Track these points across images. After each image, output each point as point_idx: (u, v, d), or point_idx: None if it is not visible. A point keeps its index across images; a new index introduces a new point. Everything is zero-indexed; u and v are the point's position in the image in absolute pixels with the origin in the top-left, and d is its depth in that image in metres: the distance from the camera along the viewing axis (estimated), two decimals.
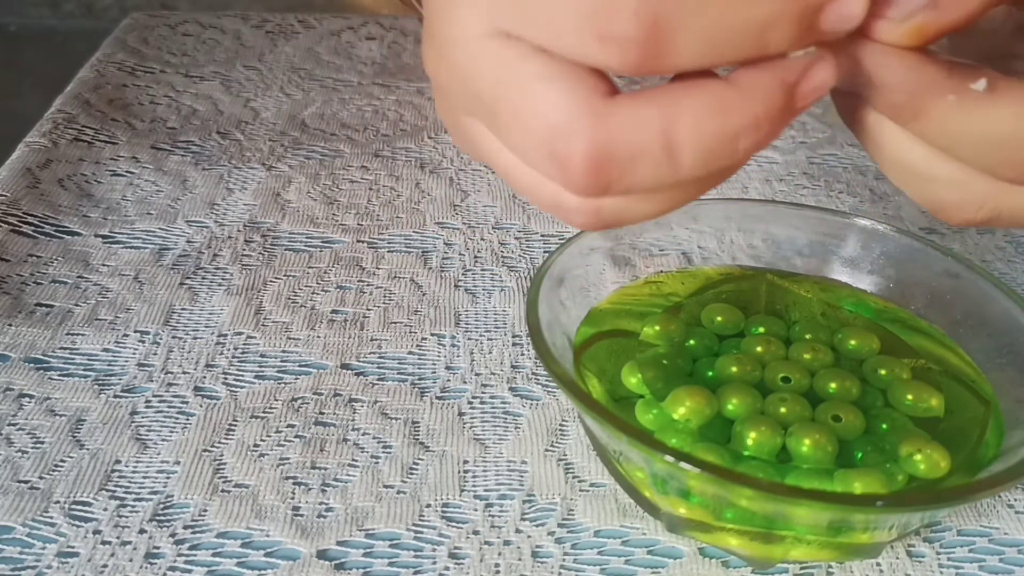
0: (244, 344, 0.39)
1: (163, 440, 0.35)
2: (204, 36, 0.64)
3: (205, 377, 0.38)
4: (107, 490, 0.33)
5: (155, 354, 0.38)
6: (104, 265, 0.43)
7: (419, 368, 0.38)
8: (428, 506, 0.33)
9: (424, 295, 0.42)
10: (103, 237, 0.45)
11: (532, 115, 0.23)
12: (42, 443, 0.34)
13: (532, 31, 0.22)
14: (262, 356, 0.39)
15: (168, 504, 0.32)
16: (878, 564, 0.31)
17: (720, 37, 0.21)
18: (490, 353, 0.39)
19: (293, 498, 0.33)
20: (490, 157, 0.26)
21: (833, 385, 0.32)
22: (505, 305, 0.42)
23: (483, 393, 0.37)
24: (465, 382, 0.38)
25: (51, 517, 0.32)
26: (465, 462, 0.34)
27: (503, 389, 0.37)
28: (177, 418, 0.36)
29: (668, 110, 0.22)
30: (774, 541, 0.29)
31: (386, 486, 0.33)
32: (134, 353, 0.38)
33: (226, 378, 0.38)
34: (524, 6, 0.22)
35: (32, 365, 0.38)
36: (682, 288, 0.37)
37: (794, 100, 0.24)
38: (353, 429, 0.35)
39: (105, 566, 0.30)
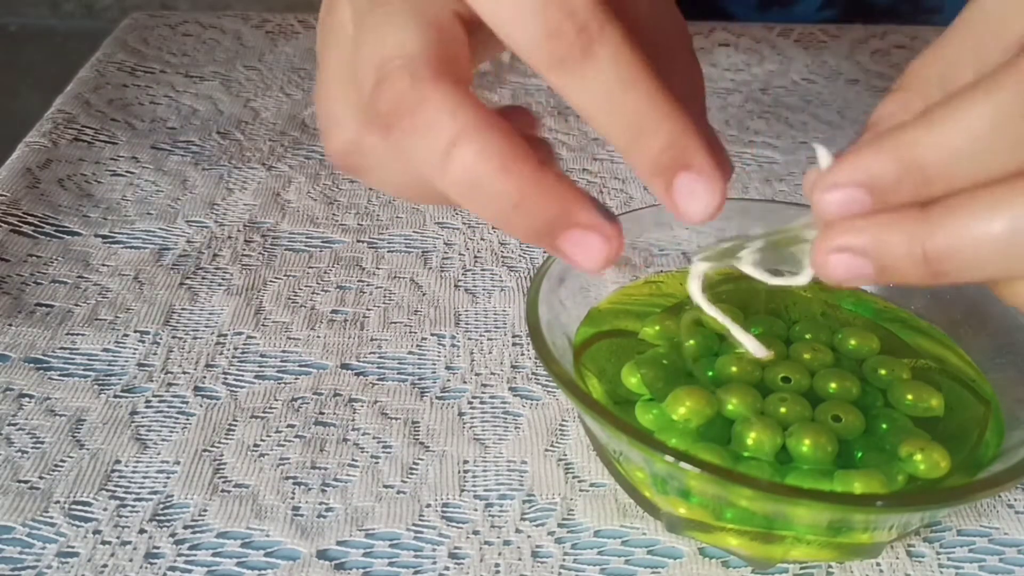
0: (244, 344, 0.39)
1: (163, 440, 0.35)
2: (204, 36, 0.64)
3: (205, 377, 0.38)
4: (107, 490, 0.33)
5: (155, 354, 0.38)
6: (104, 265, 0.43)
7: (419, 368, 0.38)
8: (428, 506, 0.33)
9: (424, 295, 0.42)
10: (103, 237, 0.45)
11: (380, 39, 0.25)
12: (42, 443, 0.34)
13: None
14: (262, 356, 0.39)
15: (168, 504, 0.32)
16: (878, 564, 0.31)
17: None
18: (490, 353, 0.39)
19: (293, 498, 0.33)
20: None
21: (833, 385, 0.32)
22: (505, 305, 0.42)
23: (483, 393, 0.37)
24: (465, 382, 0.38)
25: (51, 517, 0.32)
26: (465, 462, 0.34)
27: (503, 389, 0.37)
28: (177, 418, 0.36)
29: (475, 119, 0.24)
30: (774, 541, 0.29)
31: (386, 486, 0.33)
32: (134, 353, 0.38)
33: (226, 378, 0.38)
34: None
35: (32, 365, 0.38)
36: (682, 288, 0.37)
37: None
38: (353, 429, 0.36)
39: (105, 566, 0.30)
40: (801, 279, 0.27)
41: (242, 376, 0.38)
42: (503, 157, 0.23)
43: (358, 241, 0.46)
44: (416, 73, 0.23)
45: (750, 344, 0.30)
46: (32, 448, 0.34)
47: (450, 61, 0.24)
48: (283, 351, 0.39)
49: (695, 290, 0.29)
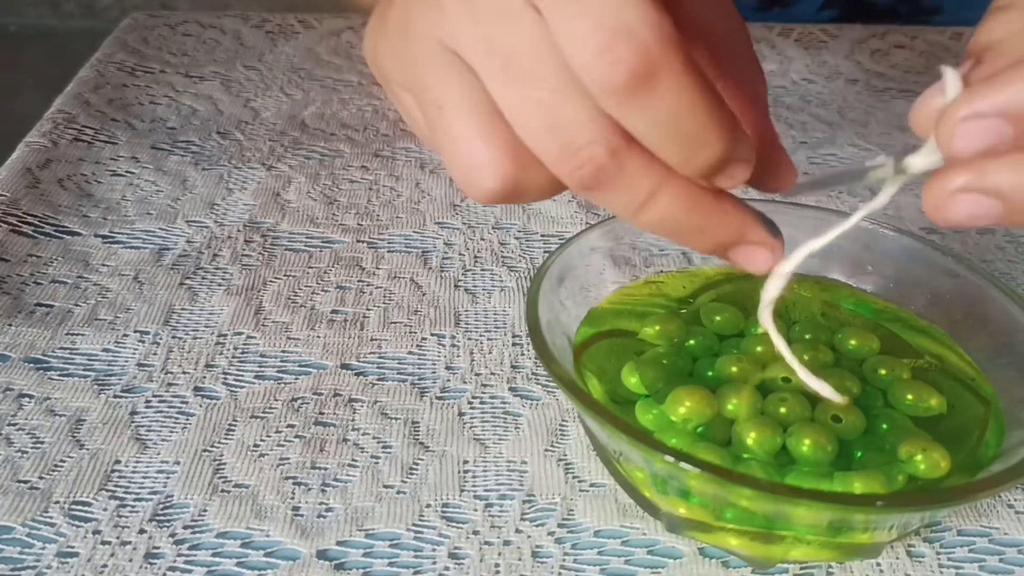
0: (244, 344, 0.39)
1: (163, 440, 0.35)
2: (204, 36, 0.64)
3: (205, 377, 0.37)
4: (107, 490, 0.33)
5: (155, 354, 0.38)
6: (104, 265, 0.43)
7: (419, 368, 0.38)
8: (428, 506, 0.33)
9: (424, 295, 0.42)
10: (103, 237, 0.45)
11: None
12: (42, 443, 0.34)
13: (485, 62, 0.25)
14: (262, 356, 0.39)
15: (168, 504, 0.32)
16: (878, 564, 0.31)
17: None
18: (490, 353, 0.39)
19: (293, 498, 0.33)
20: (411, 122, 0.29)
21: (833, 385, 0.32)
22: (505, 305, 0.42)
23: (483, 393, 0.37)
24: (465, 382, 0.38)
25: (51, 517, 0.32)
26: (465, 462, 0.34)
27: (503, 389, 0.37)
28: (177, 418, 0.36)
29: (665, 169, 0.25)
30: (774, 541, 0.29)
31: (386, 486, 0.33)
32: (134, 353, 0.38)
33: (226, 378, 0.38)
34: (484, 41, 0.25)
35: (32, 365, 0.38)
36: (682, 288, 0.37)
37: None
38: (353, 429, 0.35)
39: (105, 566, 0.30)
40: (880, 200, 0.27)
41: (242, 376, 0.38)
42: (691, 199, 0.25)
43: (358, 241, 0.46)
44: (610, 143, 0.24)
45: (825, 391, 0.30)
46: (32, 448, 0.34)
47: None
48: (283, 351, 0.39)
49: (767, 319, 0.30)
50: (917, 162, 0.25)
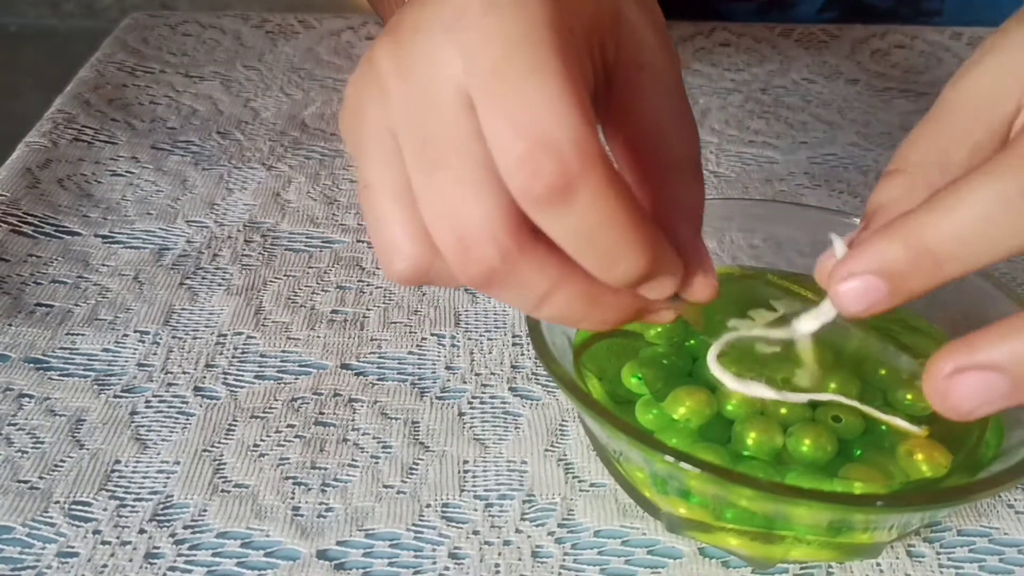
0: (244, 344, 0.39)
1: (163, 440, 0.35)
2: (204, 36, 0.64)
3: (205, 377, 0.37)
4: (107, 490, 0.33)
5: (155, 354, 0.38)
6: (104, 265, 0.43)
7: (419, 368, 0.38)
8: (428, 506, 0.33)
9: (424, 295, 0.42)
10: (103, 237, 0.45)
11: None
12: (42, 443, 0.34)
13: (490, 114, 0.23)
14: (262, 356, 0.39)
15: (168, 504, 0.32)
16: (878, 564, 0.31)
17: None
18: (490, 353, 0.39)
19: (293, 498, 0.33)
20: (362, 168, 0.27)
21: (833, 386, 0.32)
22: (505, 305, 0.42)
23: (483, 393, 0.37)
24: (465, 382, 0.38)
25: (51, 517, 0.32)
26: (465, 462, 0.34)
27: (503, 389, 0.37)
28: (177, 418, 0.36)
29: (560, 271, 0.25)
30: (774, 541, 0.29)
31: (386, 486, 0.33)
32: (134, 353, 0.38)
33: (226, 378, 0.38)
34: (496, 90, 0.23)
35: (32, 365, 0.38)
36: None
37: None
38: (353, 429, 0.35)
39: (105, 566, 0.30)
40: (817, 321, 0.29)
41: (242, 376, 0.38)
42: (588, 296, 0.25)
43: (358, 241, 0.46)
44: (503, 246, 0.24)
45: (905, 425, 0.30)
46: (32, 448, 0.34)
47: (524, 216, 0.24)
48: (283, 351, 0.39)
49: (714, 366, 0.30)
50: (809, 324, 0.29)
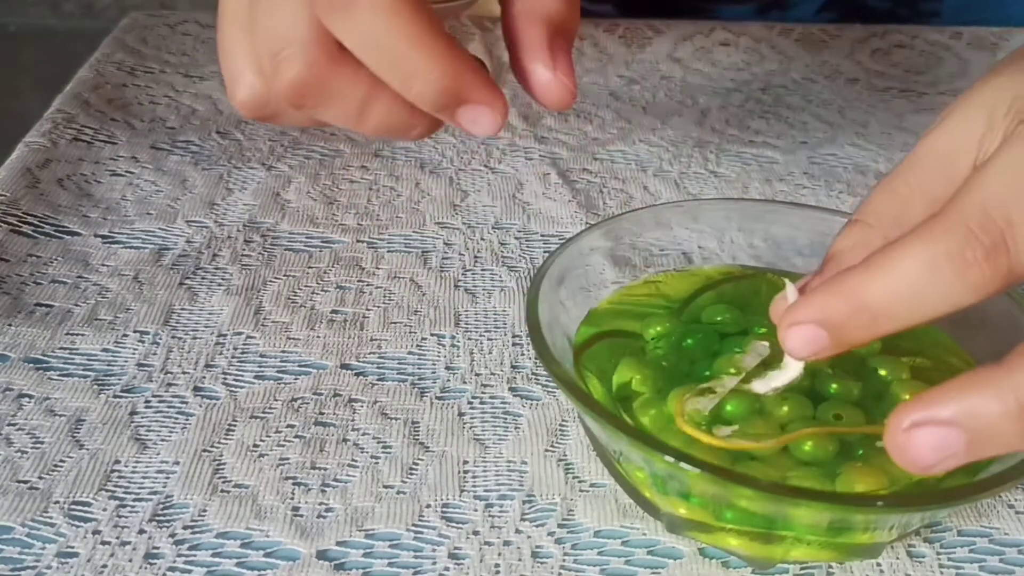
0: (244, 344, 0.39)
1: (163, 440, 0.35)
2: (204, 36, 0.64)
3: (205, 377, 0.37)
4: (107, 490, 0.33)
5: (155, 354, 0.38)
6: (104, 265, 0.43)
7: (419, 368, 0.38)
8: (428, 506, 0.33)
9: (424, 295, 0.42)
10: (103, 237, 0.45)
11: (271, 26, 0.27)
12: (42, 443, 0.34)
13: None
14: (262, 356, 0.39)
15: (168, 504, 0.32)
16: (878, 564, 0.31)
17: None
18: (490, 353, 0.39)
19: (293, 498, 0.33)
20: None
21: (834, 385, 0.32)
22: (505, 305, 0.42)
23: (483, 393, 0.37)
24: (465, 382, 0.38)
25: (51, 517, 0.32)
26: (465, 462, 0.34)
27: (503, 389, 0.37)
28: (177, 418, 0.36)
29: (372, 81, 0.27)
30: (774, 541, 0.29)
31: (386, 486, 0.33)
32: (134, 353, 0.38)
33: (226, 378, 0.38)
34: None
35: (32, 365, 0.38)
36: (682, 288, 0.37)
37: None
38: (353, 429, 0.35)
39: (105, 566, 0.30)
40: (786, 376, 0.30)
41: (242, 376, 0.38)
42: (408, 105, 0.27)
43: (358, 241, 0.46)
44: (310, 58, 0.26)
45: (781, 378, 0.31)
46: (32, 448, 0.34)
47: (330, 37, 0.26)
48: (283, 351, 0.39)
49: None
50: (777, 380, 0.30)
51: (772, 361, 0.32)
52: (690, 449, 0.30)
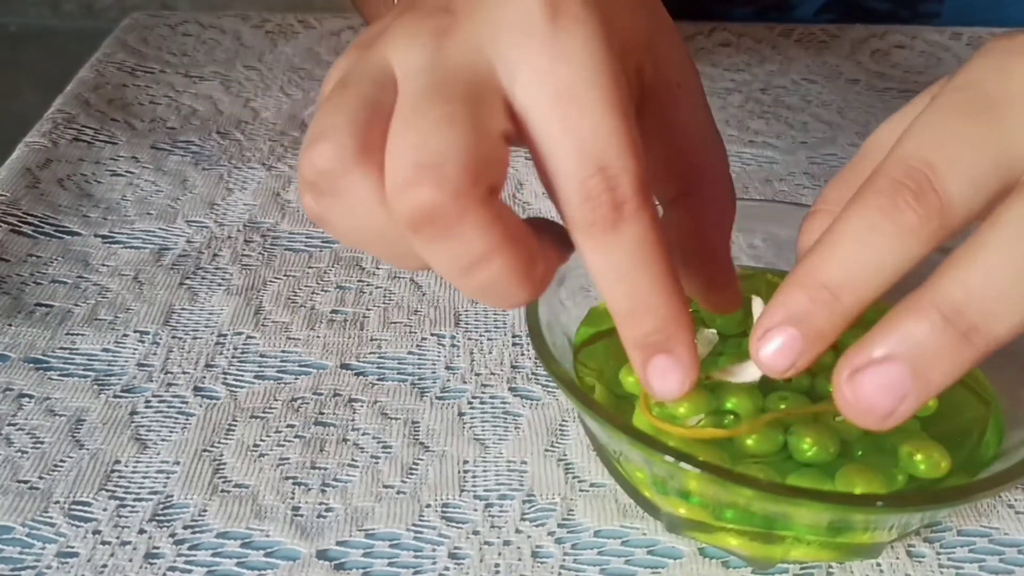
0: (244, 344, 0.39)
1: (163, 440, 0.35)
2: (204, 36, 0.64)
3: (205, 377, 0.37)
4: (107, 490, 0.33)
5: (155, 354, 0.38)
6: (104, 265, 0.43)
7: (419, 368, 0.38)
8: (428, 506, 0.33)
9: (424, 295, 0.42)
10: (103, 237, 0.45)
11: (429, 134, 0.24)
12: (42, 443, 0.34)
13: None
14: (262, 356, 0.39)
15: (168, 504, 0.32)
16: (878, 564, 0.31)
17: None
18: (490, 353, 0.39)
19: (293, 498, 0.33)
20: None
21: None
22: None
23: (483, 393, 0.37)
24: (465, 382, 0.38)
25: (51, 517, 0.32)
26: (465, 462, 0.34)
27: (503, 389, 0.37)
28: (177, 418, 0.36)
29: (504, 237, 0.24)
30: (774, 541, 0.29)
31: (386, 486, 0.33)
32: (134, 353, 0.38)
33: (226, 378, 0.38)
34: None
35: (32, 365, 0.38)
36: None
37: None
38: (353, 429, 0.35)
39: (105, 566, 0.30)
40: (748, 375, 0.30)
41: (242, 376, 0.38)
42: (524, 272, 0.25)
43: None
44: (456, 188, 0.23)
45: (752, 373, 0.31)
46: (32, 448, 0.34)
47: (487, 176, 0.24)
48: (283, 351, 0.39)
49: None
50: (738, 375, 0.30)
51: (726, 349, 0.33)
52: (692, 449, 0.30)
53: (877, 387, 0.24)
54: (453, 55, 0.25)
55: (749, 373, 0.30)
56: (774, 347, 0.25)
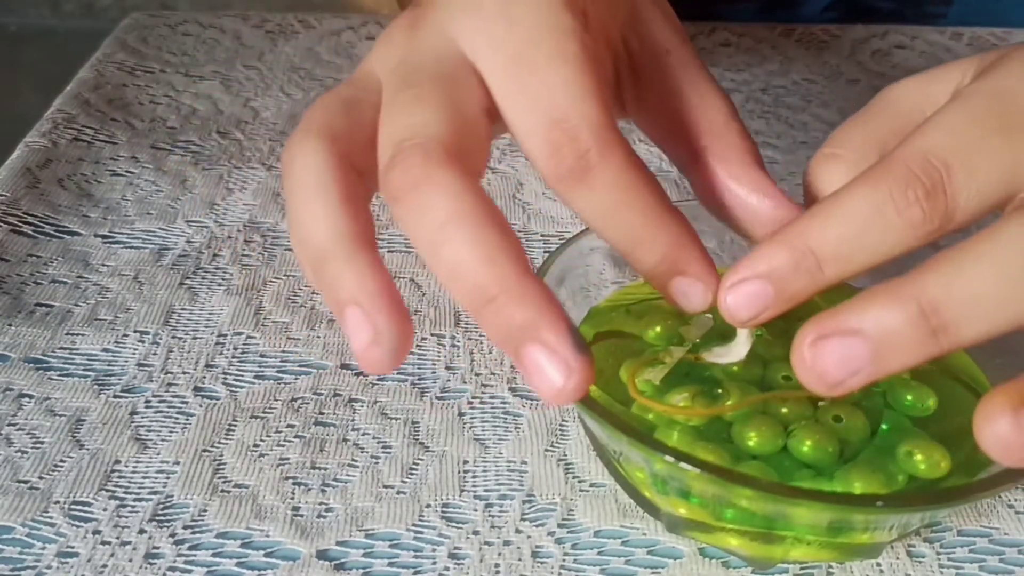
0: (244, 344, 0.39)
1: (163, 440, 0.35)
2: (204, 36, 0.64)
3: (205, 377, 0.37)
4: (107, 490, 0.33)
5: (155, 354, 0.38)
6: (104, 265, 0.43)
7: (419, 368, 0.38)
8: (428, 506, 0.33)
9: (424, 295, 0.42)
10: (103, 237, 0.45)
11: (405, 120, 0.25)
12: (42, 443, 0.34)
13: None
14: (262, 356, 0.39)
15: (168, 504, 0.32)
16: (878, 564, 0.31)
17: None
18: (490, 353, 0.39)
19: (293, 498, 0.33)
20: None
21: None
22: None
23: (483, 393, 0.37)
24: (465, 382, 0.38)
25: (51, 517, 0.32)
26: (465, 462, 0.34)
27: (503, 389, 0.37)
28: (177, 418, 0.36)
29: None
30: (774, 541, 0.29)
31: (386, 486, 0.33)
32: (134, 353, 0.38)
33: (226, 378, 0.38)
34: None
35: (32, 365, 0.38)
36: None
37: None
38: (353, 429, 0.35)
39: (105, 566, 0.30)
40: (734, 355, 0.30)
41: (242, 376, 0.38)
42: (491, 249, 0.23)
43: None
44: (429, 153, 0.24)
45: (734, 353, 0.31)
46: (32, 448, 0.34)
47: (465, 151, 0.25)
48: (283, 351, 0.39)
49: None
50: (725, 354, 0.30)
51: (729, 333, 0.32)
52: (690, 443, 0.30)
53: (837, 357, 0.24)
54: (422, 44, 0.26)
55: (735, 353, 0.30)
56: (743, 295, 0.26)
